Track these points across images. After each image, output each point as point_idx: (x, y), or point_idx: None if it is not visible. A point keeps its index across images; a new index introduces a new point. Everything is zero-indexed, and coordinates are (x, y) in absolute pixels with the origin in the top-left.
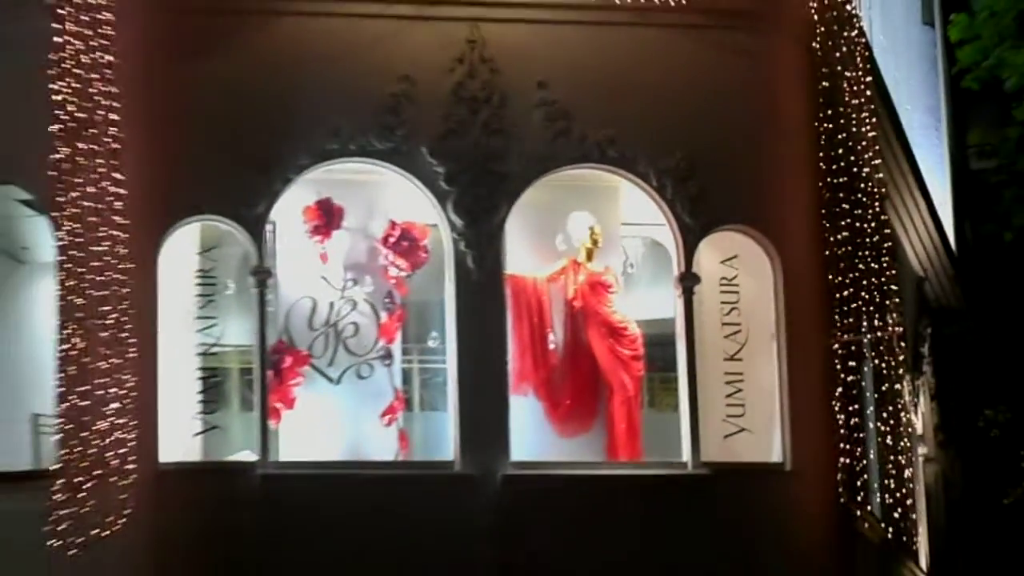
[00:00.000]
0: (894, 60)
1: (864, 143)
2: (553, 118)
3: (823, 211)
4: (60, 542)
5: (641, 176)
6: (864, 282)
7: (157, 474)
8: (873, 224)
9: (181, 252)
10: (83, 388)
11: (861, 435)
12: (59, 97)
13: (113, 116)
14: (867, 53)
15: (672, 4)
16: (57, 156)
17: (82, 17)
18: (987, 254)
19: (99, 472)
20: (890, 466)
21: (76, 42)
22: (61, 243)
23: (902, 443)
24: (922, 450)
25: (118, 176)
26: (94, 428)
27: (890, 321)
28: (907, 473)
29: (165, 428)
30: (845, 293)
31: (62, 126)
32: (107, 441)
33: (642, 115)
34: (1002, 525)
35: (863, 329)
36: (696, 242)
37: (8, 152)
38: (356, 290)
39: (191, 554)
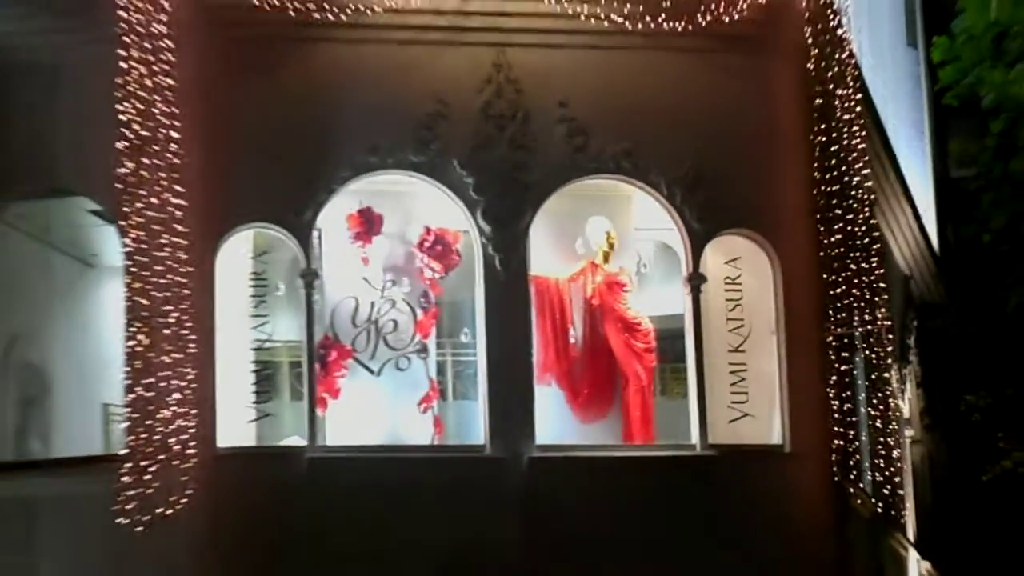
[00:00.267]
0: (881, 79)
1: (854, 154)
2: (573, 133)
3: (818, 216)
4: (127, 520)
5: (652, 185)
6: (855, 280)
7: (215, 458)
8: (863, 228)
9: (236, 256)
10: (148, 380)
11: (853, 419)
12: (125, 117)
13: (173, 134)
14: (857, 73)
15: (680, 30)
16: (123, 170)
17: (145, 45)
18: (967, 254)
19: (162, 456)
20: (880, 447)
21: (140, 67)
22: (127, 249)
23: (891, 426)
24: (909, 432)
25: (178, 188)
26: (158, 416)
27: (879, 316)
28: (896, 453)
29: (222, 416)
30: (838, 290)
31: (127, 143)
32: (170, 428)
33: (653, 130)
34: (982, 500)
35: (855, 323)
36: (703, 245)
37: (79, 167)
38: (395, 290)
39: (245, 530)
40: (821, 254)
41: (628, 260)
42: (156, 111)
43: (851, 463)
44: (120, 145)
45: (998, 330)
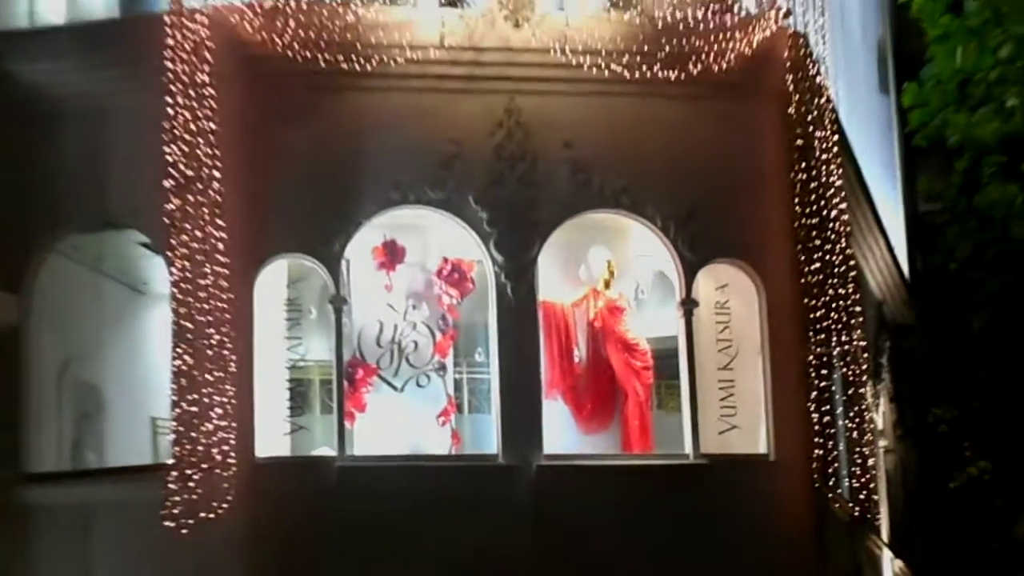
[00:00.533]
0: (856, 122)
1: (832, 190)
2: (576, 172)
3: (799, 246)
4: (174, 523)
5: (649, 219)
6: (833, 305)
7: (253, 467)
8: (840, 257)
9: (272, 284)
10: (192, 396)
11: (832, 431)
12: (171, 158)
13: (215, 173)
14: (834, 116)
15: (673, 78)
16: (170, 206)
17: (190, 92)
18: (935, 281)
19: (206, 465)
20: (856, 456)
21: (185, 113)
22: (173, 278)
23: (866, 437)
24: (883, 443)
25: (220, 222)
26: (201, 429)
27: (855, 337)
28: (870, 462)
29: (260, 428)
30: (817, 314)
31: (174, 181)
32: (212, 439)
33: (650, 169)
34: (950, 504)
35: (833, 343)
36: (694, 273)
37: (130, 203)
38: (416, 314)
39: (281, 532)
40: (802, 281)
41: (627, 286)
42: (200, 152)
43: (830, 470)
44: (167, 183)
45: (963, 350)
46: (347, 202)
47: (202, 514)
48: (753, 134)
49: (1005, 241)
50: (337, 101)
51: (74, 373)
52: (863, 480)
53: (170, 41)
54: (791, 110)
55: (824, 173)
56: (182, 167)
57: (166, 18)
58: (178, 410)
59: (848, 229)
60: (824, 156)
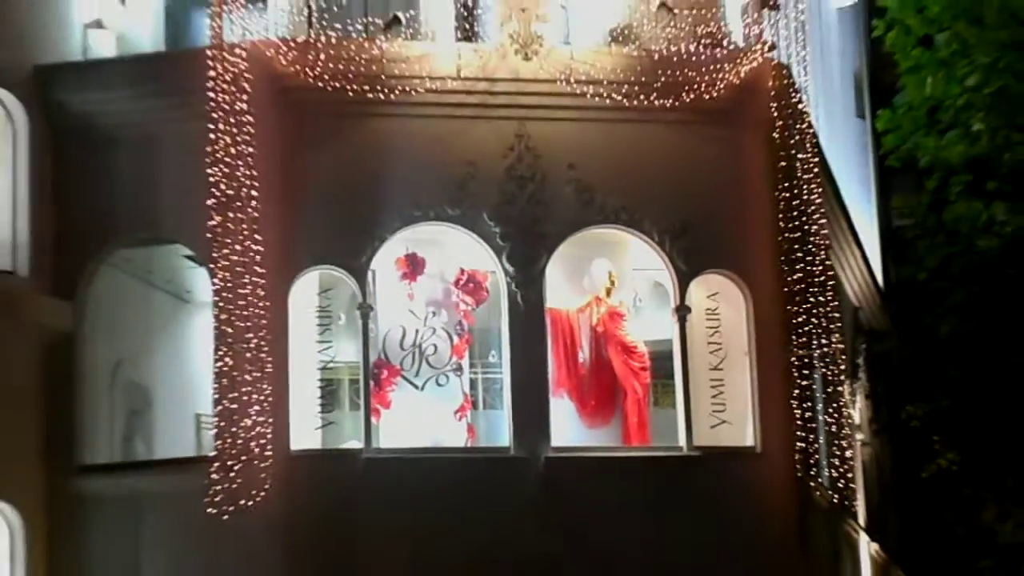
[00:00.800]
0: (835, 145)
1: (813, 207)
2: (581, 191)
3: (782, 258)
4: (216, 510)
5: (646, 233)
6: (814, 311)
7: (288, 458)
8: (820, 268)
9: (305, 293)
10: (232, 394)
11: (813, 425)
12: (214, 178)
13: (254, 192)
14: (814, 140)
15: (668, 106)
16: (212, 222)
17: (230, 120)
18: (906, 290)
19: (245, 457)
20: (835, 448)
21: (226, 138)
22: (216, 287)
23: (844, 431)
24: (859, 436)
25: (258, 237)
26: (241, 424)
27: (834, 340)
28: (848, 454)
29: (294, 423)
30: (799, 319)
31: (216, 200)
32: (251, 434)
33: (647, 188)
34: (921, 493)
35: (814, 346)
36: (688, 282)
37: (176, 219)
38: (435, 320)
39: (313, 517)
40: (785, 289)
41: (626, 295)
42: (239, 174)
43: (811, 462)
44: (210, 202)
45: (932, 352)
46: (373, 218)
47: (242, 501)
48: (741, 156)
49: (971, 254)
50: (363, 127)
51: (125, 373)
52: (842, 470)
53: (212, 73)
54: (775, 134)
55: (805, 192)
56: (223, 187)
57: (208, 52)
58: (220, 407)
59: (827, 242)
60: (805, 176)
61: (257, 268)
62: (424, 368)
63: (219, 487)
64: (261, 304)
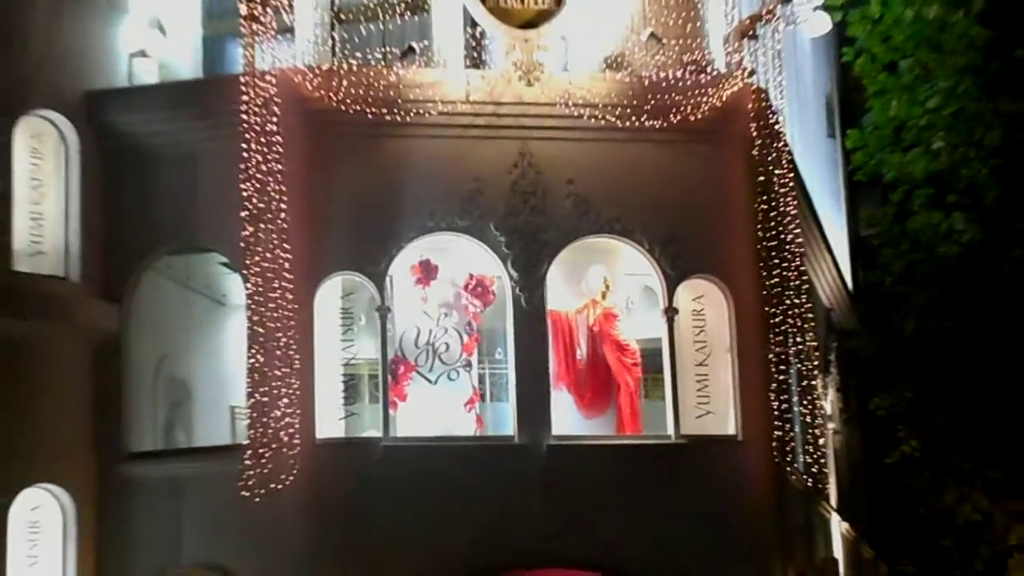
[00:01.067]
0: (808, 161)
1: (788, 218)
2: (578, 203)
3: (761, 264)
4: (248, 493)
5: (638, 241)
6: (789, 312)
7: (314, 446)
8: (795, 273)
9: (329, 296)
10: (263, 388)
11: (789, 415)
12: (246, 192)
13: (282, 205)
14: (790, 157)
15: (657, 126)
16: (246, 232)
17: (261, 139)
18: (873, 293)
19: (275, 445)
20: (809, 436)
21: (257, 155)
22: (248, 291)
23: (817, 421)
24: (831, 426)
25: (286, 246)
26: (271, 415)
27: (808, 339)
28: (821, 441)
29: (320, 414)
30: (777, 320)
31: (248, 212)
32: (280, 424)
33: (638, 201)
34: (886, 476)
35: (789, 344)
36: (675, 286)
37: (213, 229)
38: (447, 321)
39: (337, 499)
40: (763, 292)
41: (620, 297)
42: (270, 188)
43: (787, 448)
44: (243, 213)
45: (897, 349)
46: (390, 229)
47: (272, 485)
48: (723, 172)
49: (932, 260)
50: (382, 146)
51: (167, 369)
52: (815, 456)
53: (245, 97)
54: (754, 152)
55: (781, 204)
56: (255, 200)
57: (241, 78)
58: (252, 399)
59: (801, 250)
60: (781, 190)
61: (286, 274)
62: (437, 364)
63: (252, 472)
64: (289, 307)
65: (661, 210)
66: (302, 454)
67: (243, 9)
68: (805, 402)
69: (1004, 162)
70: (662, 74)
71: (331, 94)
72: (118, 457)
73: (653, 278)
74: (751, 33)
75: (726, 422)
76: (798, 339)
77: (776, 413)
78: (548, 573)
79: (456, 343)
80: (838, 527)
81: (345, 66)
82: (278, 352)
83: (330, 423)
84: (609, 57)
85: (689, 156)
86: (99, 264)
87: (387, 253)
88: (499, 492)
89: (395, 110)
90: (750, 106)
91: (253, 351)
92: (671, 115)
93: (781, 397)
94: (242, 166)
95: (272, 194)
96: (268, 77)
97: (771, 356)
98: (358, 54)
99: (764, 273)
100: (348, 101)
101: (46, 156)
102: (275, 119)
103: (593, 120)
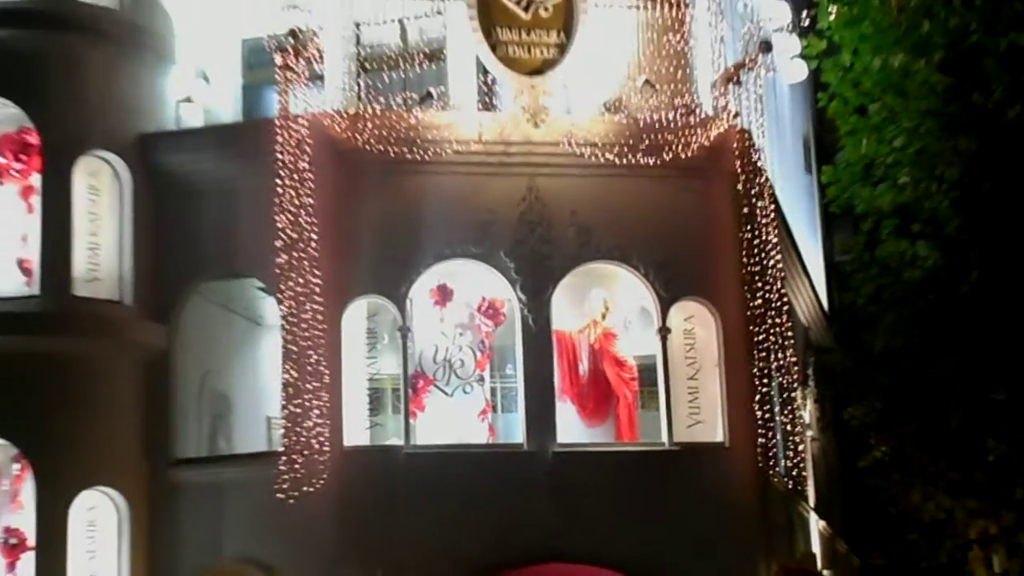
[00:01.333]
0: (788, 194)
1: (770, 245)
2: (580, 233)
3: (745, 287)
4: (283, 495)
5: (634, 267)
6: (772, 330)
7: (342, 452)
8: (776, 295)
9: (355, 317)
10: (296, 400)
11: (771, 424)
12: (281, 224)
13: (313, 235)
14: (771, 190)
15: (651, 163)
16: (280, 260)
17: (294, 176)
18: (847, 313)
19: (307, 452)
20: (790, 443)
21: (290, 191)
22: (282, 313)
23: (797, 429)
24: (809, 433)
25: (317, 272)
26: (303, 425)
27: (788, 354)
28: (800, 447)
29: (347, 424)
30: (760, 337)
31: (283, 242)
32: (311, 432)
33: (634, 230)
34: (859, 479)
35: (771, 360)
36: (668, 307)
37: (251, 257)
38: (462, 339)
39: (363, 501)
40: (748, 313)
41: (618, 318)
42: (302, 220)
43: (770, 454)
44: (278, 243)
45: (868, 364)
46: (410, 256)
47: (304, 488)
48: (711, 204)
49: (898, 284)
50: (403, 182)
51: (209, 383)
52: (795, 461)
53: (279, 139)
54: (739, 186)
55: (764, 233)
56: (288, 231)
57: (276, 122)
58: (286, 410)
59: (782, 274)
60: (764, 220)
61: (316, 297)
62: (453, 379)
63: (286, 476)
64: (320, 327)
65: (655, 239)
66: (331, 460)
67: (278, 60)
68: (786, 412)
69: (962, 195)
70: (656, 116)
71: (357, 135)
72: (166, 463)
73: (648, 300)
74: (736, 79)
75: (715, 430)
76: (779, 355)
77: (760, 422)
78: (554, 568)
79: (470, 359)
80: (816, 525)
81: (369, 110)
82: (309, 368)
83: (357, 432)
84: (608, 101)
85: (680, 190)
86: (149, 289)
87: (407, 278)
88: (509, 494)
89: (415, 149)
90: (735, 145)
91: (287, 367)
92: (664, 153)
93: (764, 407)
94: (277, 200)
95: (304, 225)
96: (300, 120)
97: (755, 370)
98: (381, 99)
99: (748, 295)
100: (372, 142)
101: (102, 192)
102: (307, 158)
103: (593, 158)
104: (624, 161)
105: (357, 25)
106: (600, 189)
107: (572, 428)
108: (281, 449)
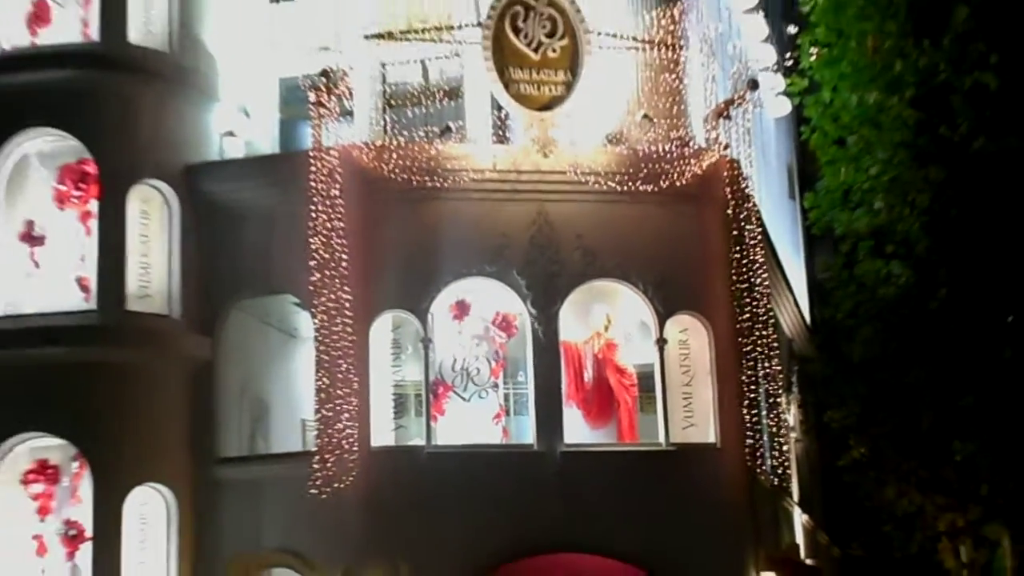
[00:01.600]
0: (774, 218)
1: (757, 264)
2: (585, 254)
3: (735, 303)
4: (316, 491)
5: (634, 284)
6: (759, 342)
7: (370, 452)
8: (763, 310)
9: (382, 330)
10: (328, 405)
11: (759, 427)
12: (314, 246)
13: (343, 256)
14: (758, 215)
15: (649, 190)
16: (313, 278)
17: (326, 203)
18: (827, 327)
19: (337, 452)
20: (775, 444)
21: (323, 215)
22: (316, 326)
23: (782, 431)
24: (793, 435)
25: (347, 288)
26: (335, 427)
27: (774, 363)
28: (785, 448)
29: (374, 426)
30: (748, 348)
31: (315, 261)
32: (342, 434)
33: (634, 251)
34: (839, 477)
35: (759, 368)
36: (665, 321)
37: (287, 276)
38: (478, 349)
39: (389, 497)
40: (737, 326)
41: (619, 330)
42: (333, 242)
43: (758, 454)
44: (311, 263)
45: (847, 373)
46: (431, 275)
47: (336, 485)
48: (703, 227)
49: (874, 299)
50: (424, 208)
51: (249, 390)
52: (780, 460)
53: (313, 169)
54: (728, 211)
55: (752, 253)
56: (321, 252)
57: (310, 153)
58: (319, 414)
59: (768, 291)
60: (751, 242)
61: (346, 312)
62: (470, 385)
63: (319, 474)
64: (349, 338)
65: (653, 259)
66: (360, 459)
67: (312, 97)
68: (772, 416)
69: (932, 219)
70: (653, 148)
71: (383, 165)
72: (210, 461)
73: (647, 314)
74: (726, 114)
75: (707, 432)
76: (766, 364)
77: (748, 425)
78: (561, 557)
79: (486, 368)
80: (799, 518)
81: (394, 143)
82: (340, 375)
83: (383, 433)
84: (610, 134)
85: (676, 215)
86: (195, 304)
87: (429, 294)
88: (521, 489)
89: (435, 178)
90: (725, 174)
91: (320, 374)
92: (661, 181)
93: (752, 411)
94: (310, 224)
95: (335, 247)
96: (332, 152)
97: (744, 378)
98: (405, 132)
99: (738, 310)
100: (397, 171)
101: (152, 217)
102: (338, 186)
103: (597, 186)
104: (625, 189)
105: (383, 65)
106: (603, 214)
107: (578, 430)
108: (314, 449)
